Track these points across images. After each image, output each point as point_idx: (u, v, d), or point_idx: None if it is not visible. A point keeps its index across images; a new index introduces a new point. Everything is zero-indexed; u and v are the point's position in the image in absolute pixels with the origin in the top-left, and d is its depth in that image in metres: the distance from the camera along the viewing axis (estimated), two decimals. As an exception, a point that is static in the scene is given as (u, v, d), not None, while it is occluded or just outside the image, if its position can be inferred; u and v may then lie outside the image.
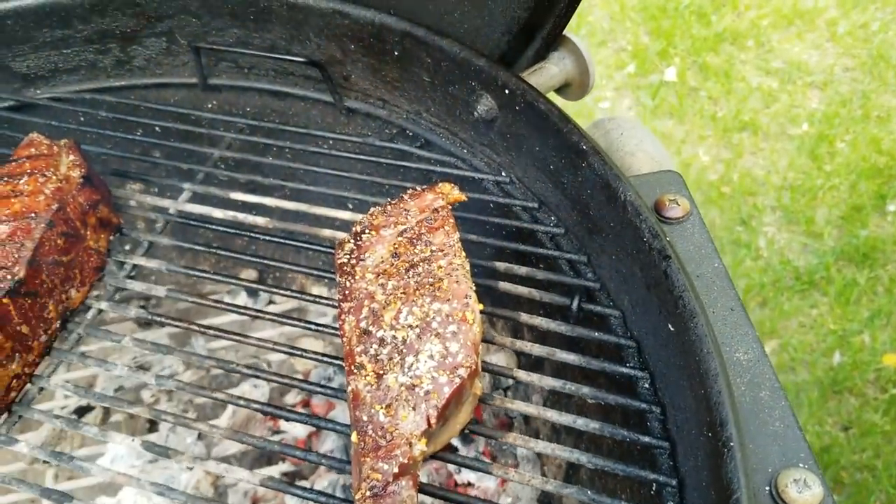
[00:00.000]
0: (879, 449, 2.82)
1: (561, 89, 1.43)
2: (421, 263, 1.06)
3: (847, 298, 3.16)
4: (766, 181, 3.63)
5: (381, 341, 1.00)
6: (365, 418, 0.94)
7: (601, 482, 1.25)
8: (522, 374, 1.07)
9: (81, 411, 1.77)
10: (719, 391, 0.84)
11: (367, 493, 0.87)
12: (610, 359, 1.08)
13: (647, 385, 1.05)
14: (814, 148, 3.69)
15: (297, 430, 1.66)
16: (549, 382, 1.05)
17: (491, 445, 1.54)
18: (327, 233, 1.29)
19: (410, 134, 1.46)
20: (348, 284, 1.08)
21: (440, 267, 1.05)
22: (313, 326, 1.17)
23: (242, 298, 1.90)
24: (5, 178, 1.24)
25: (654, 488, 1.01)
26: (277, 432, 1.68)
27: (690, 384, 0.91)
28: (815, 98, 3.97)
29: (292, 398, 1.75)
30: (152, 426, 1.72)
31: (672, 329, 0.97)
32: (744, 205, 3.53)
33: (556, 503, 1.45)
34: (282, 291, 1.21)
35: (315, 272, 1.24)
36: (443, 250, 1.07)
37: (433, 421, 0.92)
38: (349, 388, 0.98)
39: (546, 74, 1.36)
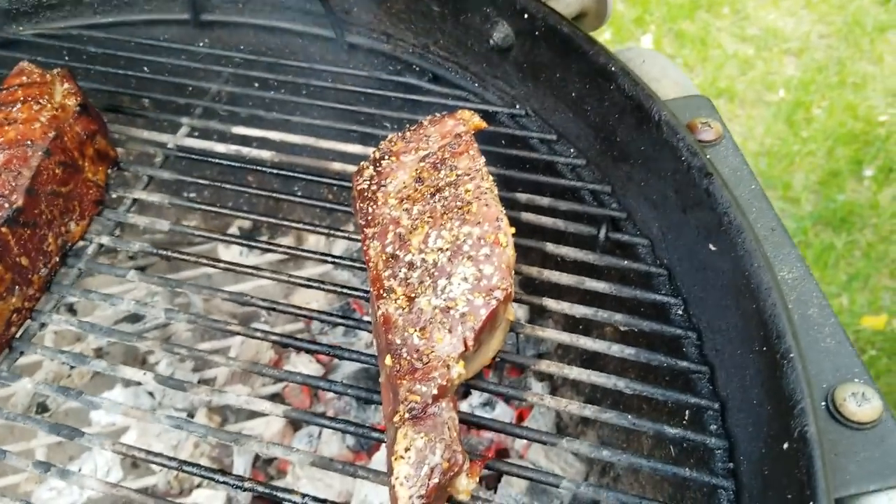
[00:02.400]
0: (859, 408, 2.85)
1: (576, 20, 1.38)
2: (447, 188, 1.02)
3: (825, 262, 3.18)
4: (744, 147, 3.63)
5: (411, 265, 0.95)
6: (398, 341, 0.89)
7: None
8: (552, 303, 1.04)
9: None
10: (774, 303, 0.81)
11: (406, 416, 0.83)
12: (640, 287, 1.05)
13: (680, 311, 1.02)
14: (790, 114, 3.71)
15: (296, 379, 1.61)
16: (581, 310, 1.02)
17: (506, 385, 1.51)
18: (337, 166, 1.24)
19: (417, 69, 1.41)
20: (370, 210, 1.03)
21: (468, 191, 1.01)
22: (330, 258, 1.12)
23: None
24: (-3, 107, 1.16)
25: (688, 415, 0.98)
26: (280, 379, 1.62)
27: (737, 302, 0.89)
28: (790, 65, 3.98)
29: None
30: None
31: (714, 249, 0.94)
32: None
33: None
34: (298, 226, 1.16)
35: (325, 204, 1.19)
36: (469, 174, 1.03)
37: (470, 343, 0.88)
38: (378, 313, 0.93)
39: (563, 2, 1.31)
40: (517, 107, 1.30)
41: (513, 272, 0.95)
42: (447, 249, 0.95)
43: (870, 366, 2.89)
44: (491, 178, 1.03)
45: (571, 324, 1.40)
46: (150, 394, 1.56)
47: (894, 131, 3.63)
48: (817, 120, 3.70)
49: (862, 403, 0.80)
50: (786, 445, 0.74)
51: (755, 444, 0.83)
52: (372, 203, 1.04)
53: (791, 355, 0.77)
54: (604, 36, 4.25)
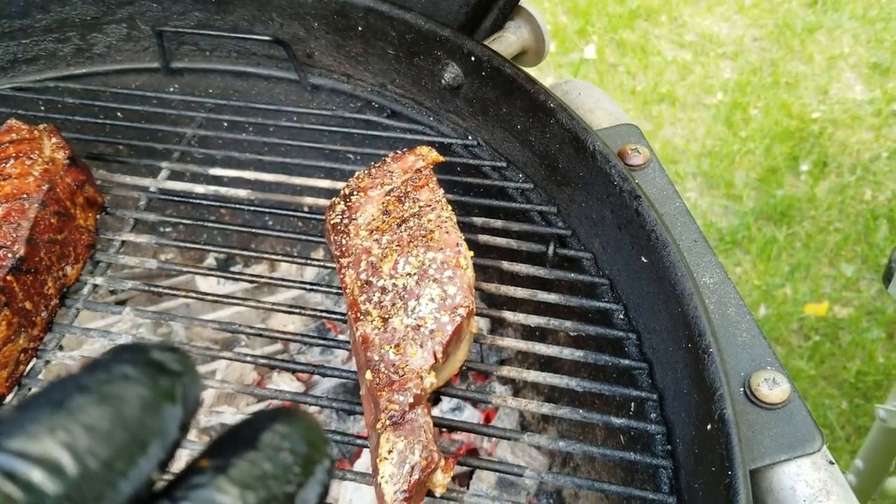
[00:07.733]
0: (807, 392, 3.03)
1: (517, 57, 1.52)
2: (411, 218, 1.15)
3: (768, 255, 3.36)
4: (686, 149, 3.82)
5: (383, 290, 1.08)
6: (376, 358, 1.02)
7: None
8: (509, 315, 1.17)
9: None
10: (695, 307, 0.95)
11: (387, 423, 0.96)
12: (586, 297, 1.19)
13: (621, 316, 1.16)
14: (729, 115, 3.90)
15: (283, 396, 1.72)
16: (535, 320, 1.15)
17: (473, 390, 1.64)
18: (309, 200, 1.36)
19: (376, 106, 1.54)
20: (344, 242, 1.16)
21: (430, 220, 1.14)
22: (308, 286, 1.24)
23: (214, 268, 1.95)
24: (-9, 163, 1.27)
25: (633, 407, 1.12)
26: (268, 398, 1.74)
27: (667, 306, 1.02)
28: (727, 68, 4.18)
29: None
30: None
31: (645, 261, 1.08)
32: (667, 173, 3.71)
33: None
34: (275, 257, 1.28)
35: (302, 237, 1.31)
36: (430, 205, 1.16)
37: (439, 356, 1.01)
38: (357, 334, 1.06)
39: (504, 43, 1.45)
40: (469, 138, 1.43)
41: (473, 290, 1.09)
42: (415, 274, 1.08)
43: (814, 350, 3.08)
44: (450, 207, 1.16)
45: (528, 332, 1.54)
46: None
47: (827, 127, 3.83)
48: (754, 120, 3.90)
49: (773, 387, 0.94)
50: (709, 427, 0.88)
51: (687, 428, 0.97)
52: (345, 235, 1.17)
53: (711, 350, 0.91)
54: (549, 48, 4.42)
